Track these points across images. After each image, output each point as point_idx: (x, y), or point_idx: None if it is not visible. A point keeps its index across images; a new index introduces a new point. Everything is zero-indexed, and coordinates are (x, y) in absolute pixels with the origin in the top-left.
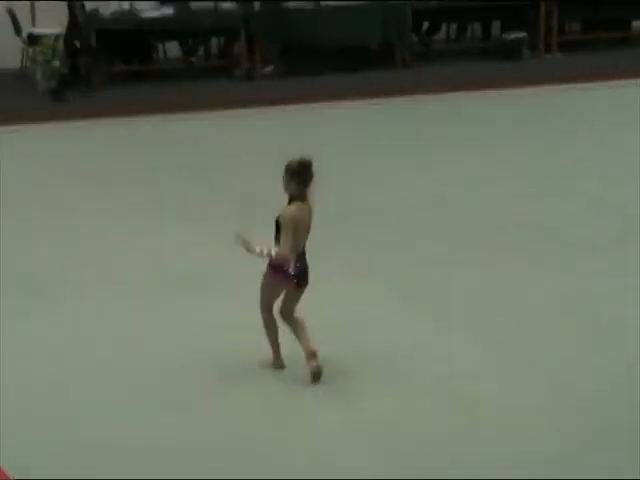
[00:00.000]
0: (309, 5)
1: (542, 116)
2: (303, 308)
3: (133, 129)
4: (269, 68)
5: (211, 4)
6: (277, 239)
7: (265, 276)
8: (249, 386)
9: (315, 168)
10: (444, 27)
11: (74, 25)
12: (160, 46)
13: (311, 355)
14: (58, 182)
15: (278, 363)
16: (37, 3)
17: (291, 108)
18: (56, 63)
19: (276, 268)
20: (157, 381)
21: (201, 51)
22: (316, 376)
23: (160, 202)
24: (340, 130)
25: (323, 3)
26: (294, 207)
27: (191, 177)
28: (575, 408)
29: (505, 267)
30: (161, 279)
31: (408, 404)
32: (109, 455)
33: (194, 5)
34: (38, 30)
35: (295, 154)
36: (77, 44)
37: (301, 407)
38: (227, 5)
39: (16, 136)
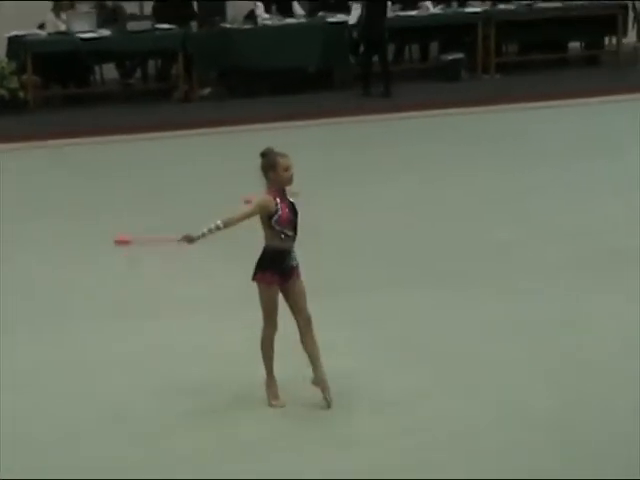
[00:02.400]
0: (248, 26)
1: (480, 137)
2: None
3: (68, 153)
4: (207, 90)
5: (148, 25)
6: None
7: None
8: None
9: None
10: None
11: None
12: (97, 68)
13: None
14: None
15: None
16: None
17: (229, 130)
18: None
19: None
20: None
21: (138, 73)
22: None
23: (94, 230)
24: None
25: (261, 24)
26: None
27: (129, 202)
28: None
29: (450, 291)
30: (97, 307)
31: (358, 426)
32: None
33: (131, 26)
34: None
35: (232, 177)
36: None
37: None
38: (164, 27)
39: None
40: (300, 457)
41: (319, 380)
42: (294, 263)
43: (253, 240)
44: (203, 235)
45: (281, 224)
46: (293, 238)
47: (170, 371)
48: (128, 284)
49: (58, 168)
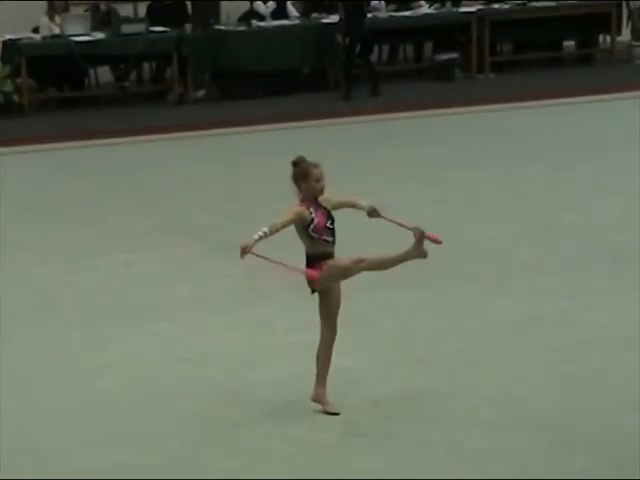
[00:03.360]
0: (242, 28)
1: (475, 136)
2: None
3: (64, 156)
4: (201, 92)
5: (143, 28)
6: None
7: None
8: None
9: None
10: (376, 49)
11: None
12: (92, 71)
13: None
14: None
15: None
16: None
17: (224, 132)
18: None
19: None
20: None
21: (133, 76)
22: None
23: (90, 232)
24: (272, 154)
25: (255, 26)
26: None
27: (125, 204)
28: (519, 428)
29: (445, 290)
30: (93, 309)
31: (357, 425)
32: None
33: (125, 29)
34: None
35: (227, 179)
36: None
37: None
38: (158, 29)
39: None
40: (297, 460)
41: (319, 396)
42: None
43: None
44: (255, 241)
45: (318, 232)
46: (333, 243)
47: (165, 374)
48: (122, 286)
49: (54, 171)
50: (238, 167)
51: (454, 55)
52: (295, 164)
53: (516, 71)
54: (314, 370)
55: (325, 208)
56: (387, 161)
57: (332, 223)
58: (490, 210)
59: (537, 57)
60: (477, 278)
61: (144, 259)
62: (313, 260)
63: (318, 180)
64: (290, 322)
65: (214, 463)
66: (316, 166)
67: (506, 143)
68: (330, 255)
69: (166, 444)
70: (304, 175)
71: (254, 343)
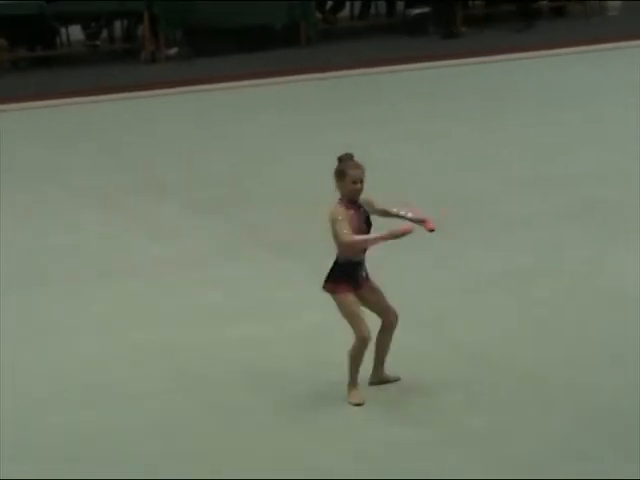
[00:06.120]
0: None
1: (450, 91)
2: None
3: (35, 116)
4: (173, 50)
5: None
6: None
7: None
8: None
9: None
10: (348, 4)
11: None
12: (63, 30)
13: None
14: None
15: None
16: None
17: (197, 89)
18: None
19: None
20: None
21: (104, 34)
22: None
23: (63, 191)
24: (246, 111)
25: None
26: None
27: (101, 164)
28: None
29: (429, 244)
30: (73, 269)
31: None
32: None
33: None
34: None
35: (200, 136)
36: None
37: None
38: None
39: None
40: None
41: (382, 378)
42: (364, 274)
43: (219, 198)
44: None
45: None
46: (364, 249)
47: (146, 332)
48: (95, 247)
49: (24, 132)
50: (210, 125)
51: (426, 9)
52: (338, 160)
53: (488, 26)
54: (289, 327)
55: (364, 211)
56: (361, 117)
57: (368, 228)
58: (471, 162)
59: (511, 10)
60: (460, 231)
61: (116, 218)
62: (340, 267)
63: (355, 182)
64: (263, 280)
65: (194, 425)
66: (357, 167)
67: (481, 97)
68: (358, 264)
69: (148, 405)
70: (340, 174)
71: (228, 301)
